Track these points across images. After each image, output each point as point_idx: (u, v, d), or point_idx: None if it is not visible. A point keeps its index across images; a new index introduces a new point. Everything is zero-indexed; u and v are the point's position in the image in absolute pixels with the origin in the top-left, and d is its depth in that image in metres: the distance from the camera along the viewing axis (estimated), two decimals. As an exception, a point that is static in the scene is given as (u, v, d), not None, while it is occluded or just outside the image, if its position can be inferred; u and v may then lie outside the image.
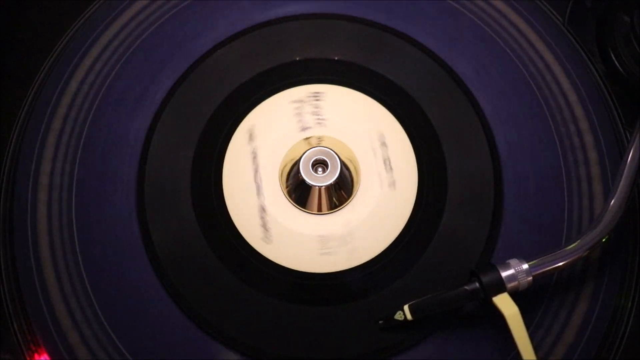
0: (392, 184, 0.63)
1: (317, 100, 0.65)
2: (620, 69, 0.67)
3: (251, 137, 0.64)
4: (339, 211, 0.62)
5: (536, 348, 0.56)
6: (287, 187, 0.62)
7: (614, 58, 0.67)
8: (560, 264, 0.56)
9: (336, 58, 0.67)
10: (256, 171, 0.63)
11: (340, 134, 0.64)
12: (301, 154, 0.62)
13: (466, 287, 0.55)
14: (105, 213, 0.61)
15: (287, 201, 0.62)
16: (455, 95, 0.66)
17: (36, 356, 0.58)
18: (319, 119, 0.65)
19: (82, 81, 0.66)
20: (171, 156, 0.63)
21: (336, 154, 0.61)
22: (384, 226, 0.61)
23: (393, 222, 0.61)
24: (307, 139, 0.64)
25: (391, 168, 0.63)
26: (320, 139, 0.64)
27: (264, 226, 0.61)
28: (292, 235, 0.61)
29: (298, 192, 0.62)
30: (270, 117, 0.65)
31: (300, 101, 0.65)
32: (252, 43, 0.67)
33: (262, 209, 0.62)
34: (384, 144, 0.64)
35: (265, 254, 0.60)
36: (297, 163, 0.62)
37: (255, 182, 0.63)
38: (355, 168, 0.63)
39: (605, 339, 0.59)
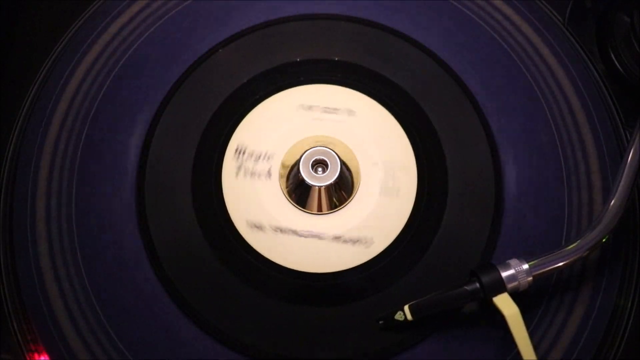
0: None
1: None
2: (620, 69, 0.67)
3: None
4: (339, 211, 0.62)
5: (536, 348, 0.56)
6: (287, 187, 0.63)
7: (614, 58, 0.67)
8: (560, 264, 0.56)
9: (336, 58, 0.67)
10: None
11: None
12: (301, 153, 0.62)
13: (466, 287, 0.55)
14: (105, 213, 0.61)
15: (288, 201, 0.62)
16: (455, 95, 0.66)
17: (36, 356, 0.58)
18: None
19: (81, 81, 0.65)
20: (171, 156, 0.63)
21: (336, 154, 0.61)
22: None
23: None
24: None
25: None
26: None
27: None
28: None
29: (298, 192, 0.62)
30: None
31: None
32: (252, 43, 0.67)
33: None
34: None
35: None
36: (297, 163, 0.62)
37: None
38: (355, 168, 0.63)
39: (604, 339, 0.59)
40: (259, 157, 0.63)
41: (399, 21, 0.68)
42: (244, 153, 0.63)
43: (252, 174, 0.63)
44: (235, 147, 0.63)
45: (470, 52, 0.67)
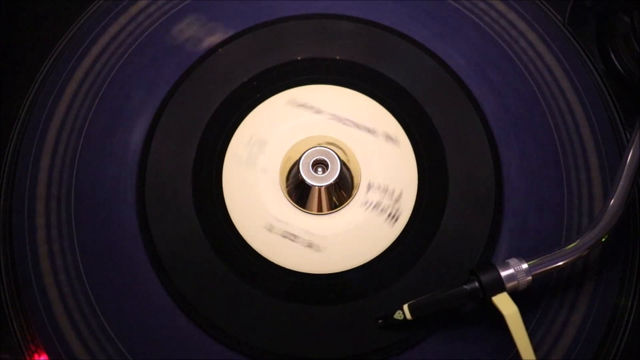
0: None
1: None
2: (620, 69, 0.67)
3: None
4: (339, 211, 0.62)
5: (536, 348, 0.56)
6: (287, 187, 0.63)
7: (614, 58, 0.67)
8: (560, 263, 0.56)
9: (337, 57, 0.67)
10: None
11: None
12: (301, 153, 0.62)
13: (465, 287, 0.55)
14: (105, 213, 0.62)
15: (287, 201, 0.62)
16: (455, 95, 0.66)
17: (36, 356, 0.58)
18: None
19: (81, 81, 0.66)
20: (172, 156, 0.63)
21: (336, 154, 0.61)
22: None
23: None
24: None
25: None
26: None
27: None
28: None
29: (298, 192, 0.62)
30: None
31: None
32: (252, 43, 0.67)
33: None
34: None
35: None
36: (297, 163, 0.62)
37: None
38: (355, 168, 0.63)
39: (605, 339, 0.59)
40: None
41: (399, 21, 0.68)
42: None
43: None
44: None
45: (470, 52, 0.67)
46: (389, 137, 0.64)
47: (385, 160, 0.63)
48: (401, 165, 0.63)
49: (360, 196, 0.63)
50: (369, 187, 0.63)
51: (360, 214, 0.62)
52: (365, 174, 0.63)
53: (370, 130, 0.64)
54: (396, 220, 0.61)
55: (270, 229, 0.61)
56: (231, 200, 0.62)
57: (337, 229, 0.61)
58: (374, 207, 0.62)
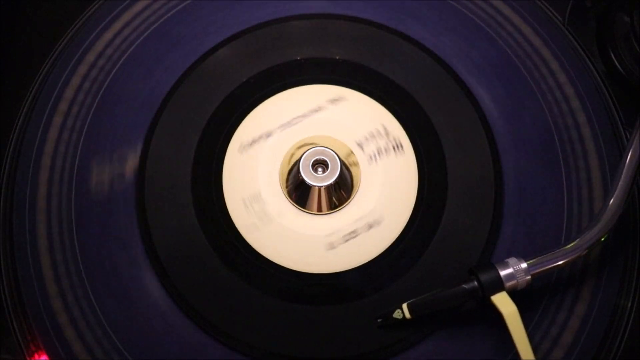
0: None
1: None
2: (620, 69, 0.67)
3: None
4: (339, 211, 0.62)
5: (535, 347, 0.56)
6: (287, 187, 0.63)
7: (614, 58, 0.67)
8: (559, 262, 0.56)
9: (337, 58, 0.67)
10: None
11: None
12: (301, 154, 0.62)
13: (464, 286, 0.55)
14: (105, 213, 0.62)
15: (288, 201, 0.62)
16: (455, 94, 0.66)
17: (36, 356, 0.58)
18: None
19: (82, 81, 0.66)
20: (172, 156, 0.63)
21: (336, 154, 0.61)
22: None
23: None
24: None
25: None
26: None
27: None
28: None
29: (298, 192, 0.62)
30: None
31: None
32: (252, 43, 0.67)
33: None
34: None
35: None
36: (297, 163, 0.62)
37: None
38: (355, 168, 0.63)
39: (604, 339, 0.59)
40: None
41: (399, 21, 0.68)
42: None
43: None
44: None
45: (470, 52, 0.67)
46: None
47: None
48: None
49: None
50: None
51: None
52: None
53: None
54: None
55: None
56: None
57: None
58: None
